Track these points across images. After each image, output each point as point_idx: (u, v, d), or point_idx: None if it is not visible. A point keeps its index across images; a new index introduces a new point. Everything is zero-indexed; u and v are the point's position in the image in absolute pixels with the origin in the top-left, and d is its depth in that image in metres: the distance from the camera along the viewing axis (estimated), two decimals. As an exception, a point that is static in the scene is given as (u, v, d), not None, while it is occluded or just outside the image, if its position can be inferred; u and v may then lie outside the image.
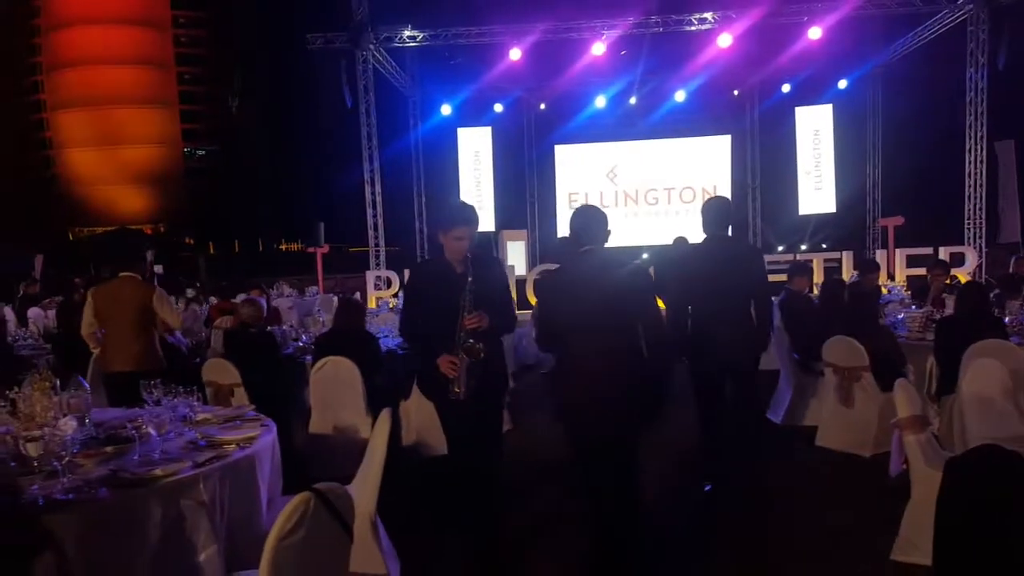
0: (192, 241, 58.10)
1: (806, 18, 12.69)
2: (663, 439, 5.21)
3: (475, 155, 18.40)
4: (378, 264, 14.32)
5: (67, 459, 2.37)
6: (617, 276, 3.10)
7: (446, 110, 17.48)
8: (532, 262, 15.44)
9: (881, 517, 3.71)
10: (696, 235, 4.54)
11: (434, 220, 3.60)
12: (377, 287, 13.29)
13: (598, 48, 13.88)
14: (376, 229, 14.52)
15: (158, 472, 2.44)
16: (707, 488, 4.16)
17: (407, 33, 14.72)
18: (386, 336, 5.95)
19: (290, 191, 56.66)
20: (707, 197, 16.74)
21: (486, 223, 17.80)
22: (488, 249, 16.04)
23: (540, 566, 3.49)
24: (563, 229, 17.33)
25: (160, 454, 2.68)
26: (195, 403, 3.09)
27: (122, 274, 4.91)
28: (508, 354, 6.18)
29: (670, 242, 9.06)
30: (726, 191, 17.26)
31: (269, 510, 2.98)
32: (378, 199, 14.54)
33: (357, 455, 4.28)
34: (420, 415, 5.13)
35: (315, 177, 49.00)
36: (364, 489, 2.90)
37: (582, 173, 18.09)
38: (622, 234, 17.09)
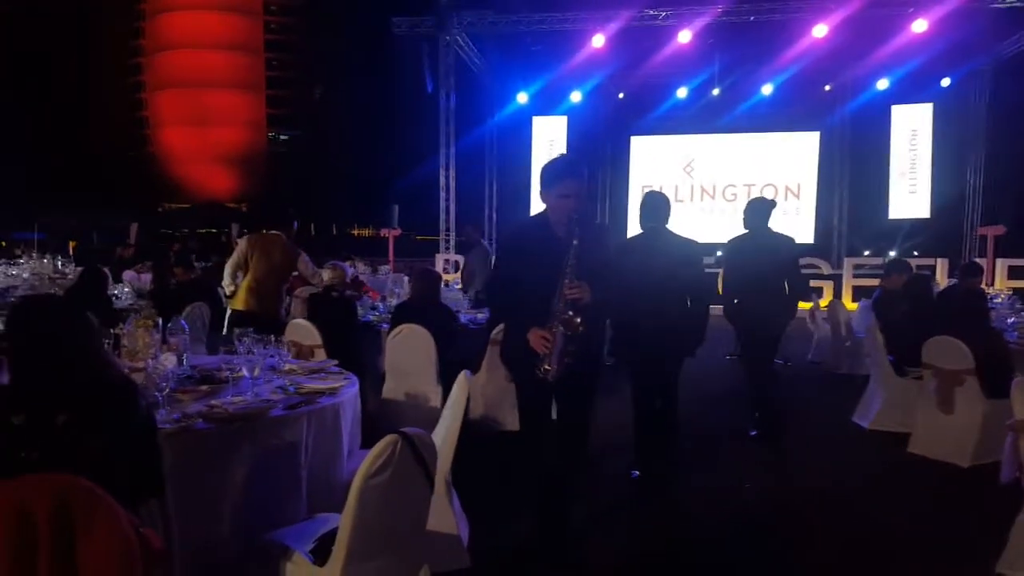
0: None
1: (912, 9, 12.04)
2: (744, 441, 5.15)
3: (549, 144, 18.29)
4: (448, 248, 14.43)
5: (167, 391, 2.44)
6: (675, 249, 4.08)
7: (523, 98, 17.44)
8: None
9: (981, 529, 3.46)
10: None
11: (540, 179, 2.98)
12: (446, 270, 13.41)
13: (684, 36, 13.58)
14: (448, 213, 14.63)
15: (252, 410, 2.48)
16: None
17: (491, 18, 14.73)
18: (457, 311, 5.93)
19: (367, 178, 57.87)
20: (790, 195, 16.42)
21: (559, 212, 17.69)
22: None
23: (595, 543, 3.40)
24: (634, 222, 17.07)
25: (252, 396, 2.73)
26: (284, 353, 3.14)
27: (271, 231, 5.34)
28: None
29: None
30: (811, 190, 16.67)
31: (349, 460, 3.00)
32: (452, 183, 14.65)
33: (426, 422, 4.31)
34: (488, 390, 5.11)
35: (391, 164, 49.84)
36: (441, 449, 2.88)
37: (658, 165, 17.78)
38: (696, 230, 16.67)
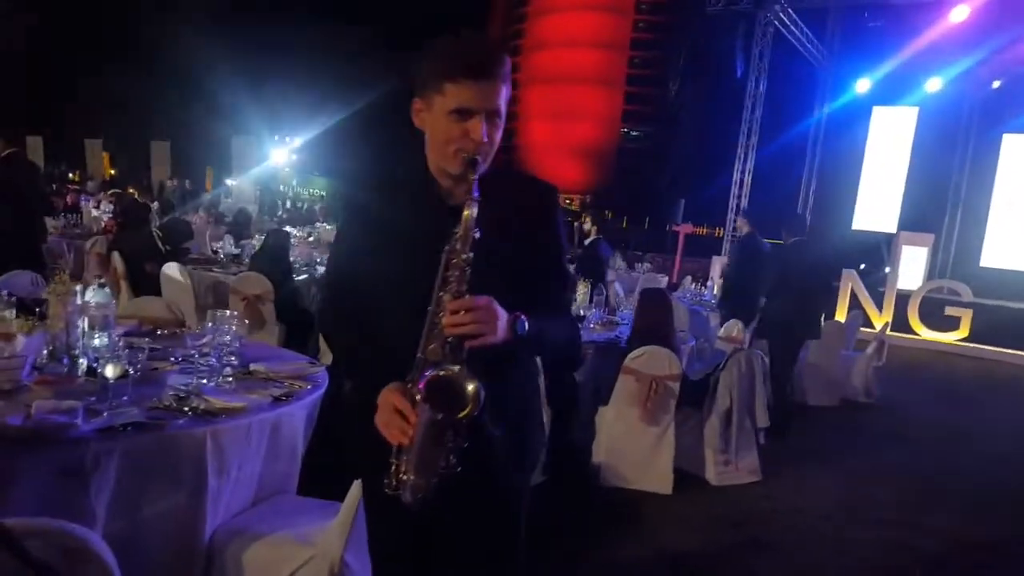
0: (611, 214, 62.00)
1: None
2: None
3: (891, 140, 15.29)
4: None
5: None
6: (809, 257, 5.59)
7: (863, 86, 14.72)
8: (933, 275, 12.11)
9: None
10: None
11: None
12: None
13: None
14: (737, 211, 12.97)
15: (48, 425, 1.90)
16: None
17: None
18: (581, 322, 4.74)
19: (705, 175, 56.04)
20: None
21: (888, 223, 14.73)
22: (877, 254, 13.21)
23: None
24: (992, 237, 13.45)
25: (127, 400, 2.15)
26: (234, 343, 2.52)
27: None
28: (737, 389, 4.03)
29: None
30: None
31: (254, 505, 2.29)
32: (747, 178, 12.93)
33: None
34: (616, 431, 3.94)
35: (696, 157, 47.41)
36: (332, 531, 2.01)
37: (1040, 172, 13.67)
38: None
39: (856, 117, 15.40)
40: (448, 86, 1.39)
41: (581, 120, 69.11)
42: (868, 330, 9.12)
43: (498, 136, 1.45)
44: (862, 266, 12.48)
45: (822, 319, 5.94)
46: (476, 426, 1.34)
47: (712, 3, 13.88)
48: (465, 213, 1.35)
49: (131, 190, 16.82)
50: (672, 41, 67.01)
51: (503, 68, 1.41)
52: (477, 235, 1.34)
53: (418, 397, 1.32)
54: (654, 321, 3.94)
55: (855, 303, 10.83)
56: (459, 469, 1.33)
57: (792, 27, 13.81)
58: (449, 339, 1.33)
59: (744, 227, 6.60)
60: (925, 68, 13.93)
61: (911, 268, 11.83)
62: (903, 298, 10.98)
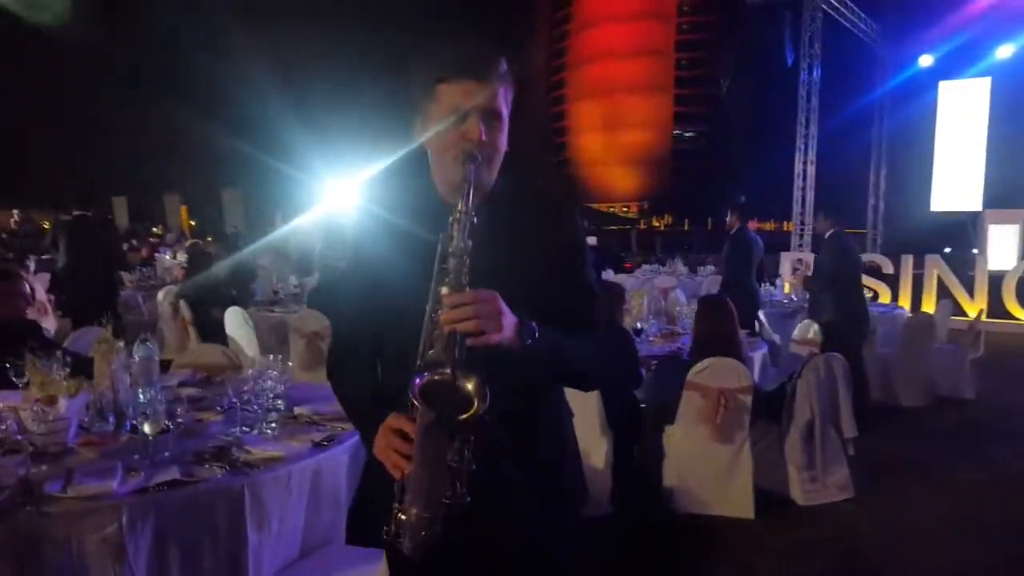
0: (671, 218, 61.18)
1: None
2: None
3: (963, 115, 14.49)
4: (801, 245, 12.24)
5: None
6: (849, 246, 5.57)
7: (925, 61, 14.03)
8: (1026, 254, 11.25)
9: None
10: None
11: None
12: (796, 269, 11.32)
13: None
14: (803, 204, 12.43)
15: (83, 491, 1.86)
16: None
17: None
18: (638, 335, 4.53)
19: (765, 170, 54.61)
20: None
21: (971, 201, 13.91)
22: (962, 235, 12.45)
23: None
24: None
25: (168, 456, 2.12)
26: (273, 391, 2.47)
27: None
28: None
29: None
30: None
31: (303, 558, 2.21)
32: (809, 168, 12.39)
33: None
34: (684, 449, 3.72)
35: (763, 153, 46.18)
36: None
37: None
38: None
39: (921, 94, 14.73)
40: (440, 88, 1.32)
41: (632, 129, 68.72)
42: (960, 318, 8.53)
43: (500, 140, 1.35)
44: (947, 250, 11.77)
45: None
46: (485, 442, 1.20)
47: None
48: (460, 209, 1.22)
49: (209, 239, 17.46)
50: (718, 39, 65.89)
51: (497, 67, 1.32)
52: (475, 219, 1.22)
53: (417, 405, 1.17)
54: (715, 330, 3.72)
55: (943, 291, 10.17)
56: (468, 499, 1.19)
57: (842, 8, 13.28)
58: (449, 339, 1.16)
59: (736, 222, 6.72)
60: (993, 35, 13.18)
61: (1002, 248, 11.07)
62: (996, 281, 10.25)
